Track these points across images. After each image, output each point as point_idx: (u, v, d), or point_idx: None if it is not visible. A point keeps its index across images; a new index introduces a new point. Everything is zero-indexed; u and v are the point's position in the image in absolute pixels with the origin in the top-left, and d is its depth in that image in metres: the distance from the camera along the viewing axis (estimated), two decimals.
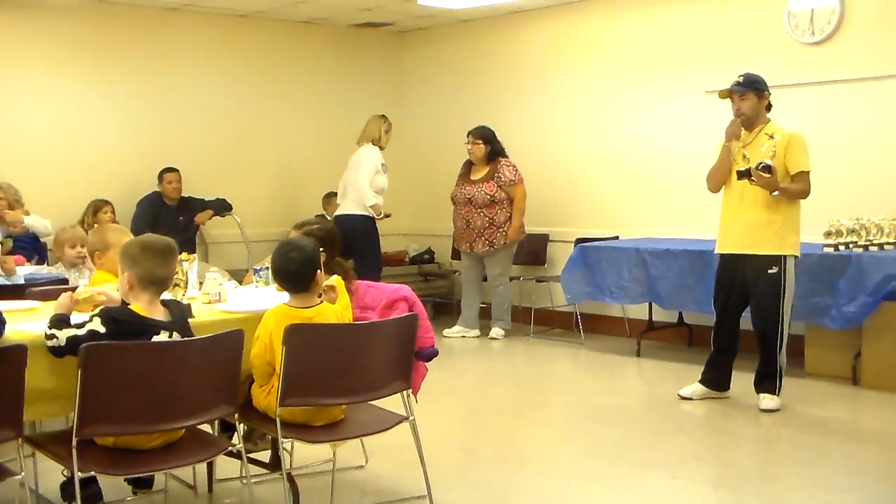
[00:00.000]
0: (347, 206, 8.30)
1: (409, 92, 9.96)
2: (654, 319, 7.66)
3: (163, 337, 3.38)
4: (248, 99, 9.05)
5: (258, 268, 4.60)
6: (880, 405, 5.87)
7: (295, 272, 3.77)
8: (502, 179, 8.09)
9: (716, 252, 5.86)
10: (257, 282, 4.54)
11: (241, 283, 4.87)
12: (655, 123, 8.01)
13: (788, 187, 5.51)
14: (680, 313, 7.60)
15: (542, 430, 5.57)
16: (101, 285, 4.00)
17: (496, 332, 8.26)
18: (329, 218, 8.59)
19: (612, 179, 8.33)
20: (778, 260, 5.56)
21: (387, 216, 8.35)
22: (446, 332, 8.32)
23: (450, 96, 9.57)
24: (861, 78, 6.82)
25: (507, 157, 8.22)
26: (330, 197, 9.02)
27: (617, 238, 8.02)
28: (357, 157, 8.31)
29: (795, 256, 5.61)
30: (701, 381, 6.00)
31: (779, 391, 5.71)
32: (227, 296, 4.23)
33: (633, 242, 7.55)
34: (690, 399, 5.96)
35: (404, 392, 3.97)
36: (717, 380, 5.97)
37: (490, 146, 8.18)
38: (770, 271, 5.56)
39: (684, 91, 7.74)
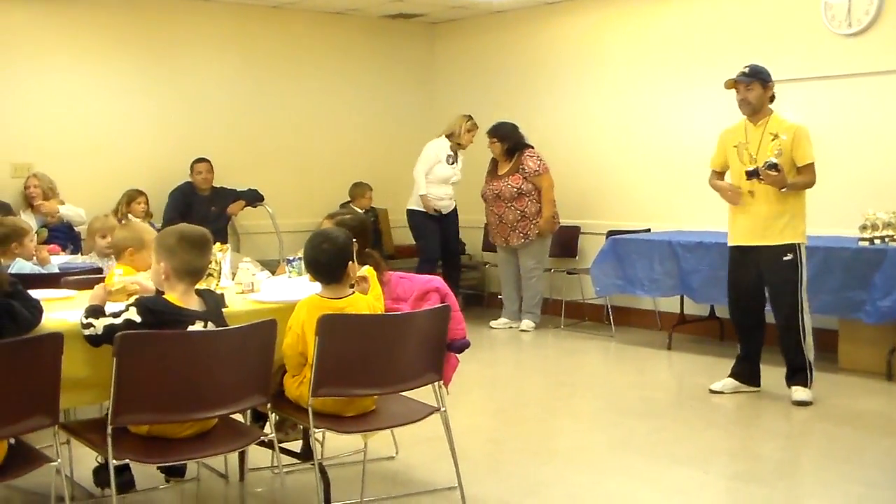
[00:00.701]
0: (410, 200, 8.61)
1: (441, 84, 9.96)
2: (685, 313, 7.62)
3: (198, 327, 3.41)
4: (281, 90, 9.08)
5: (291, 258, 4.62)
6: None
7: (327, 263, 3.78)
8: (527, 170, 8.10)
9: (729, 244, 5.95)
10: (290, 272, 4.56)
11: (273, 273, 4.89)
12: (688, 115, 7.95)
13: (796, 181, 5.63)
14: (712, 307, 7.55)
15: (572, 422, 5.57)
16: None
17: (526, 324, 8.25)
18: (358, 209, 8.67)
19: (645, 172, 8.28)
20: (793, 248, 5.68)
21: (436, 211, 8.48)
22: (493, 323, 8.38)
23: (482, 88, 9.55)
24: None
25: (531, 147, 8.21)
26: (358, 187, 9.07)
27: (649, 230, 7.98)
28: (423, 149, 8.55)
29: (805, 245, 5.74)
30: (731, 375, 5.99)
31: (811, 383, 5.71)
32: (259, 286, 4.25)
33: (665, 235, 7.52)
34: (722, 393, 5.94)
35: (436, 383, 3.97)
36: (746, 374, 5.96)
37: (507, 142, 8.19)
38: (786, 258, 5.67)
39: (718, 83, 7.63)
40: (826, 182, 6.43)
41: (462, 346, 4.22)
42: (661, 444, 5.02)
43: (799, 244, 5.68)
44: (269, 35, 8.99)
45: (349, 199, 9.05)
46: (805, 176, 5.65)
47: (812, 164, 5.65)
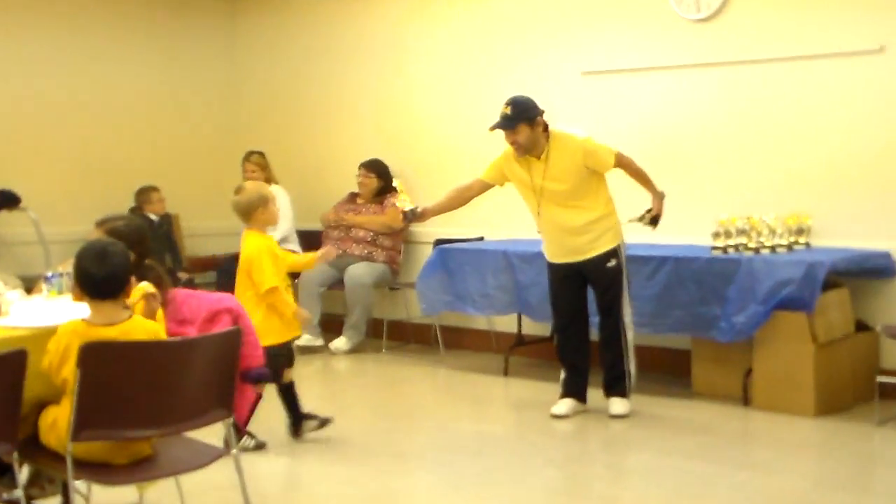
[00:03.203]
0: None
1: (242, 62, 9.82)
2: (523, 333, 7.68)
3: None
4: (48, 65, 8.70)
5: (50, 275, 4.41)
6: (771, 428, 6.00)
7: (104, 278, 3.61)
8: (386, 206, 8.38)
9: (550, 261, 6.22)
10: (48, 291, 4.35)
11: (29, 292, 4.66)
12: None
13: (644, 177, 6.09)
14: None
15: (394, 463, 5.51)
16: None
17: (341, 343, 8.18)
18: (151, 216, 8.44)
19: (477, 170, 8.28)
20: (614, 252, 6.06)
21: None
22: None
23: (289, 69, 9.45)
24: (751, 60, 6.92)
25: (395, 191, 8.43)
26: (147, 192, 8.76)
27: (482, 239, 8.03)
28: None
29: (623, 242, 6.15)
30: (569, 395, 6.20)
31: (629, 393, 6.11)
32: (9, 308, 4.07)
33: (499, 244, 7.57)
34: (567, 416, 6.08)
35: (226, 421, 3.85)
36: (581, 390, 6.22)
37: (382, 180, 8.51)
38: (609, 265, 6.04)
39: (561, 72, 7.75)
40: (676, 184, 6.62)
41: (259, 376, 4.13)
42: (495, 486, 5.01)
43: (618, 246, 6.06)
44: (30, 2, 8.60)
45: (137, 206, 8.73)
46: (630, 164, 6.04)
47: (619, 153, 5.98)
